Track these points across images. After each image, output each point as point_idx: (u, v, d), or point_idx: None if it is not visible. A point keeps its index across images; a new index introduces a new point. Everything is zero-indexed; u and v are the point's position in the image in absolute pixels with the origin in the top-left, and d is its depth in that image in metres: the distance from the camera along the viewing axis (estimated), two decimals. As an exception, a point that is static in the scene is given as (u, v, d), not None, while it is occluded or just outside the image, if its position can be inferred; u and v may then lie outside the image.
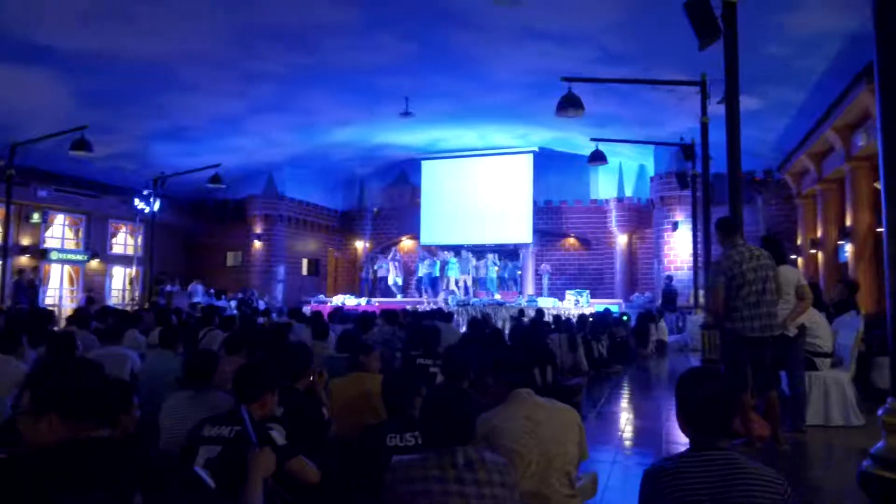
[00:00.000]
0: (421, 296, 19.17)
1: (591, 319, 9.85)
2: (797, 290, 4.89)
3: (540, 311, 11.19)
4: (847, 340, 5.29)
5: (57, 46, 11.75)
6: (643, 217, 20.38)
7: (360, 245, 23.67)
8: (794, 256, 14.67)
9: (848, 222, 10.54)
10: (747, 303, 4.36)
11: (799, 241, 14.46)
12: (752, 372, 4.46)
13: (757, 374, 4.45)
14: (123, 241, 19.61)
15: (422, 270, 20.61)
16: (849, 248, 10.45)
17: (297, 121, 17.39)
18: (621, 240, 20.42)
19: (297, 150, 19.90)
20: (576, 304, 16.30)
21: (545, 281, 20.86)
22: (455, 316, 13.58)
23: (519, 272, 21.18)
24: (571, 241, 21.44)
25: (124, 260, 19.27)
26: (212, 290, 17.95)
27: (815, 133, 11.27)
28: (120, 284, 19.28)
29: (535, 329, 7.55)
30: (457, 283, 19.33)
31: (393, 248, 21.90)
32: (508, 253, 21.27)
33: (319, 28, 11.92)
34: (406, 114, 15.79)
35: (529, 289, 21.11)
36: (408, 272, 22.02)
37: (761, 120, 13.48)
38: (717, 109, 13.29)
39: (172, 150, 17.89)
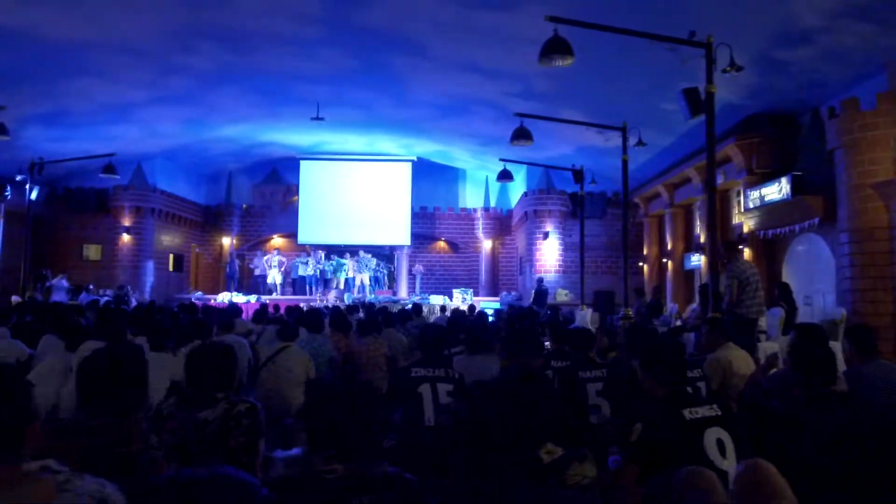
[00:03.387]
0: (307, 294, 19.72)
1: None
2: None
3: (472, 307, 12.89)
4: (773, 322, 7.86)
5: (-28, 18, 10.74)
6: (504, 226, 23.11)
7: (227, 241, 23.22)
8: (641, 264, 18.20)
9: (702, 239, 13.87)
10: (749, 296, 6.58)
11: (645, 252, 18.01)
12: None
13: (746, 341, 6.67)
14: (-33, 230, 17.26)
15: (301, 270, 21.05)
16: (702, 259, 13.76)
17: (193, 114, 17.03)
18: (486, 245, 22.92)
19: (176, 142, 19.21)
20: (463, 301, 18.27)
21: (418, 280, 22.59)
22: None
23: (388, 272, 22.63)
24: (442, 244, 23.46)
25: (-32, 251, 17.00)
26: (91, 286, 16.76)
27: (677, 168, 14.52)
28: (-38, 279, 16.95)
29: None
30: (347, 282, 20.21)
31: (276, 249, 21.97)
32: (382, 254, 22.60)
33: (270, 35, 12.33)
34: (317, 118, 16.44)
35: (403, 288, 22.67)
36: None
37: (629, 153, 16.65)
38: (597, 142, 16.20)
39: (44, 135, 16.41)
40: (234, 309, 8.11)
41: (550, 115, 14.07)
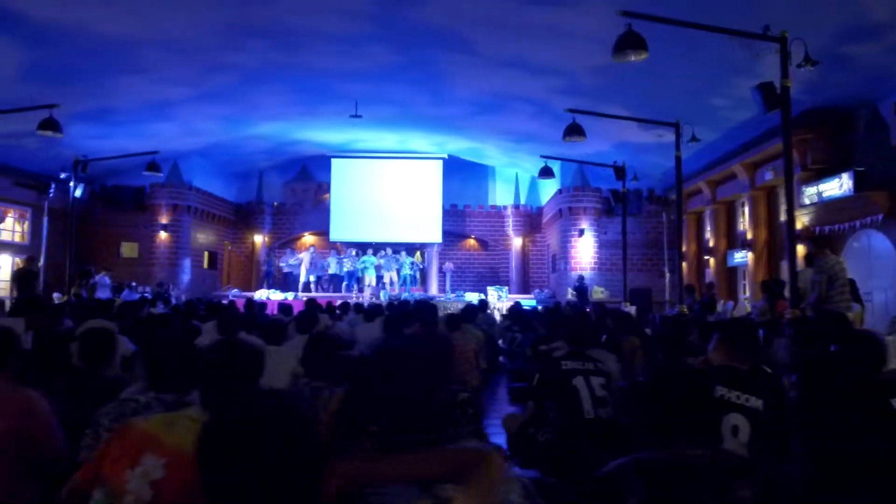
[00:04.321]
0: (342, 291, 19.79)
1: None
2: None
3: (517, 304, 12.90)
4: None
5: (30, 15, 10.85)
6: (535, 223, 23.07)
7: (259, 239, 23.34)
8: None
9: (749, 236, 13.79)
10: (838, 291, 6.55)
11: (683, 249, 17.89)
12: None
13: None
14: (12, 227, 17.47)
15: (333, 267, 21.10)
16: (749, 256, 13.69)
17: (232, 112, 17.12)
18: (516, 242, 22.90)
19: (212, 139, 19.32)
20: (498, 299, 18.27)
21: (448, 278, 22.60)
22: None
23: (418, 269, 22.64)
24: (472, 242, 23.46)
25: (12, 248, 17.20)
26: (133, 283, 16.89)
27: (722, 165, 14.43)
28: (6, 275, 17.14)
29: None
30: (380, 280, 20.30)
31: (312, 246, 22.01)
32: (411, 252, 22.60)
33: (318, 33, 12.37)
34: (356, 116, 16.49)
35: (434, 285, 22.71)
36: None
37: (667, 149, 16.55)
38: (636, 138, 16.12)
39: (85, 132, 16.52)
40: (315, 306, 8.18)
41: (594, 111, 14.02)
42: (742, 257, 14.42)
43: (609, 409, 3.31)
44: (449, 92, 15.45)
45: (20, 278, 12.12)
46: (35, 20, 10.93)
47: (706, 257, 16.40)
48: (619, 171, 15.05)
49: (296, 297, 18.46)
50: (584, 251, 19.13)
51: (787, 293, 7.92)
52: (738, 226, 15.21)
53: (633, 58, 7.59)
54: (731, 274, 15.52)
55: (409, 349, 1.33)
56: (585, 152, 17.96)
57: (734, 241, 15.34)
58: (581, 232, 18.96)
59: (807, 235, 11.66)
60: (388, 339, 2.85)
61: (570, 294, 18.73)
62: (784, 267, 13.24)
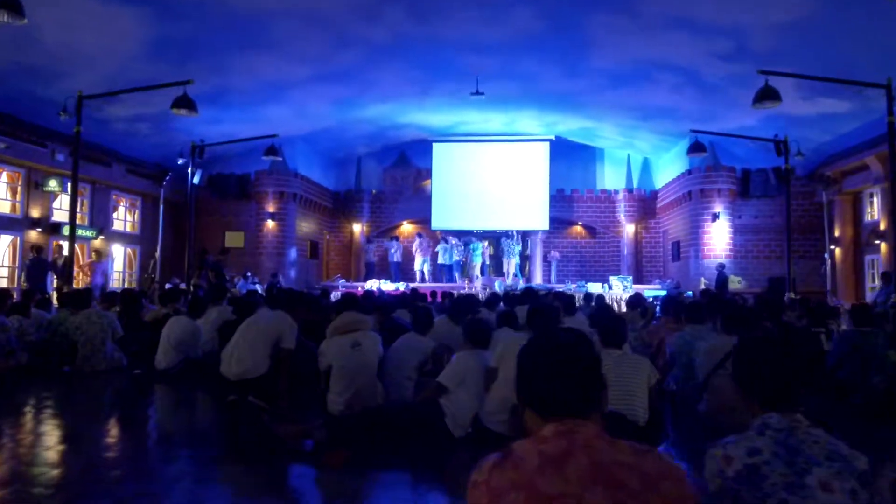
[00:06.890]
0: (454, 281, 18.84)
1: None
2: None
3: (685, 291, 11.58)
4: None
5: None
6: (648, 208, 21.55)
7: (357, 228, 22.62)
8: (832, 247, 16.36)
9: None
10: None
11: (837, 234, 16.15)
12: None
13: None
14: (123, 216, 17.16)
15: (442, 256, 20.15)
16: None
17: (347, 93, 16.27)
18: (629, 229, 21.44)
19: (319, 124, 18.60)
20: (624, 290, 16.95)
21: (553, 268, 21.37)
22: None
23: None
24: (578, 229, 22.13)
25: (124, 238, 16.88)
26: (248, 273, 16.35)
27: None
28: (120, 266, 16.85)
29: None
30: (483, 267, 19.31)
31: (419, 233, 21.13)
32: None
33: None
34: (477, 94, 15.42)
35: (538, 275, 21.51)
36: (408, 258, 21.35)
37: (826, 122, 14.86)
38: (792, 110, 14.42)
39: (199, 116, 15.96)
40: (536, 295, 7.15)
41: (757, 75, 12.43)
42: (930, 241, 12.68)
43: None
44: (584, 63, 14.20)
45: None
46: (173, -11, 10.24)
47: (876, 241, 14.62)
48: (780, 146, 13.52)
49: (407, 287, 17.57)
50: (718, 237, 17.55)
51: None
52: (922, 205, 13.41)
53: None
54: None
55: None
56: (727, 127, 16.37)
57: (915, 222, 13.54)
58: (715, 216, 17.38)
59: None
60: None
61: (703, 284, 17.22)
62: None
